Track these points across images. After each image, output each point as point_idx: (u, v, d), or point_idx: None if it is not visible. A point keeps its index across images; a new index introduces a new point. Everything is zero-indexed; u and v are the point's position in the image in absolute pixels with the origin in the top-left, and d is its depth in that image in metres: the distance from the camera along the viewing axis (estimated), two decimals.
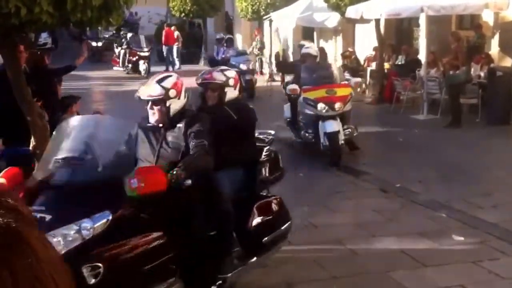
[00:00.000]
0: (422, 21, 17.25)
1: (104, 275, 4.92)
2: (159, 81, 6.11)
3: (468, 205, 9.75)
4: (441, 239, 8.44)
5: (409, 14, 17.42)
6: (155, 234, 5.44)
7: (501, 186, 10.75)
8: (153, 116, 6.06)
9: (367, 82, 22.11)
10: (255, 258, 6.65)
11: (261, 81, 26.81)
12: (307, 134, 13.26)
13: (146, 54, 30.64)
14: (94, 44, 36.85)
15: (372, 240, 8.54)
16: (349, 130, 13.05)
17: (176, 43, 33.76)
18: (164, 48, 33.91)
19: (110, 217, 5.09)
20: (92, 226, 4.99)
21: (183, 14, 34.45)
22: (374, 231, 8.82)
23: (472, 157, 12.79)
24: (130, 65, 30.94)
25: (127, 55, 31.26)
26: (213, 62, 23.67)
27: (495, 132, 14.88)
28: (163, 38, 34.11)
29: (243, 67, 21.70)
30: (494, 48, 18.60)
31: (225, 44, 26.71)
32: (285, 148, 14.30)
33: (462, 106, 16.25)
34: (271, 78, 27.25)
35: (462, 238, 8.45)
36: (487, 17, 18.90)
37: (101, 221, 5.04)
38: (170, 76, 6.30)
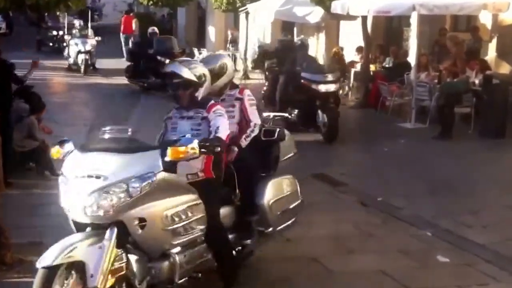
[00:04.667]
0: (414, 20, 17.27)
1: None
2: None
3: (455, 223, 9.77)
4: (425, 260, 8.45)
5: (400, 12, 17.43)
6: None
7: (492, 205, 10.79)
8: None
9: (351, 85, 22.12)
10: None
11: (235, 79, 26.77)
12: None
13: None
14: (55, 32, 36.43)
15: (350, 257, 8.53)
16: None
17: (134, 32, 33.92)
18: (122, 37, 33.90)
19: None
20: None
21: (151, 2, 34.35)
22: (352, 248, 8.81)
23: (462, 172, 12.83)
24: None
25: None
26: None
27: (488, 145, 14.95)
28: (121, 27, 34.16)
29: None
30: (491, 53, 18.70)
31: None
32: None
33: (454, 115, 16.26)
34: (245, 75, 27.21)
35: (448, 260, 8.45)
36: (485, 19, 18.99)
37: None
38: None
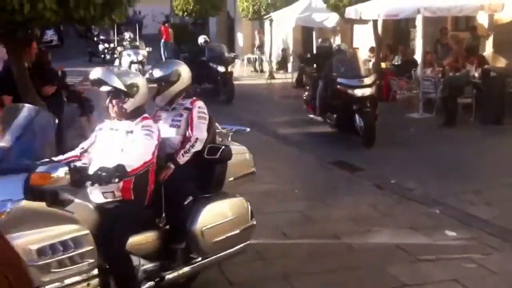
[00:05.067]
0: (419, 22, 17.22)
1: None
2: None
3: (461, 201, 9.72)
4: (434, 234, 8.40)
5: (406, 15, 17.33)
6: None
7: (493, 184, 10.71)
8: None
9: None
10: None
11: (261, 79, 27.15)
12: None
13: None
14: (106, 45, 36.17)
15: (368, 234, 8.50)
16: None
17: (170, 40, 34.36)
18: (162, 44, 34.10)
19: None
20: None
21: (185, 13, 34.47)
22: (370, 226, 8.78)
23: (465, 156, 12.74)
24: None
25: None
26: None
27: (489, 131, 14.85)
28: (163, 36, 34.39)
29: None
30: (488, 49, 18.56)
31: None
32: (283, 145, 14.32)
33: (457, 106, 16.19)
34: (271, 76, 27.35)
35: (454, 234, 8.41)
36: (482, 19, 18.87)
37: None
38: None
